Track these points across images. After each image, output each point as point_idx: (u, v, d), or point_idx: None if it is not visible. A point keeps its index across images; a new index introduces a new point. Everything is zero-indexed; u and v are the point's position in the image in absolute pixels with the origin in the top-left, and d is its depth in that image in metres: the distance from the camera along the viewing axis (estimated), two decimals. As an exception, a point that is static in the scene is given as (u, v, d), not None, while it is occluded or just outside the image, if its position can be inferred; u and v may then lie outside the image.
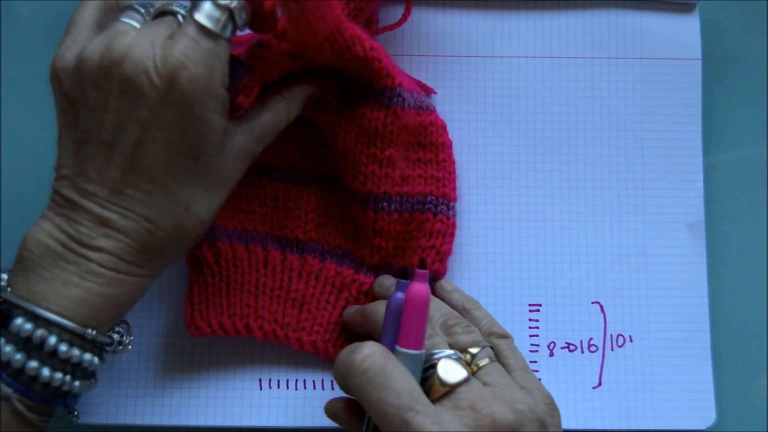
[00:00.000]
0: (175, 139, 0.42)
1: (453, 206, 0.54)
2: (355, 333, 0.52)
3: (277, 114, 0.49)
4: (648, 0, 0.57)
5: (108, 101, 0.42)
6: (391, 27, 0.55)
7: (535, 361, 0.54)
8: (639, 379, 0.54)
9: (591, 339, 0.55)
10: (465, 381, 0.42)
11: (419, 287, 0.43)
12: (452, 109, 0.56)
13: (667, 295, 0.55)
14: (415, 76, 0.56)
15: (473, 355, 0.45)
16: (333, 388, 0.54)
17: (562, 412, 0.54)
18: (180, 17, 0.45)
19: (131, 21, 0.45)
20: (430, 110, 0.54)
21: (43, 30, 0.58)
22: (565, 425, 0.53)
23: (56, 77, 0.44)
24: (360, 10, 0.51)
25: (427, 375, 0.43)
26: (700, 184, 0.56)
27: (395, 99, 0.51)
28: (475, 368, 0.45)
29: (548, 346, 0.55)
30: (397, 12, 0.55)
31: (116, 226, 0.43)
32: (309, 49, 0.48)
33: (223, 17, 0.43)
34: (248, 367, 0.54)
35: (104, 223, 0.43)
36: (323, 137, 0.54)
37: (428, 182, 0.53)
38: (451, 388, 0.42)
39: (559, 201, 0.56)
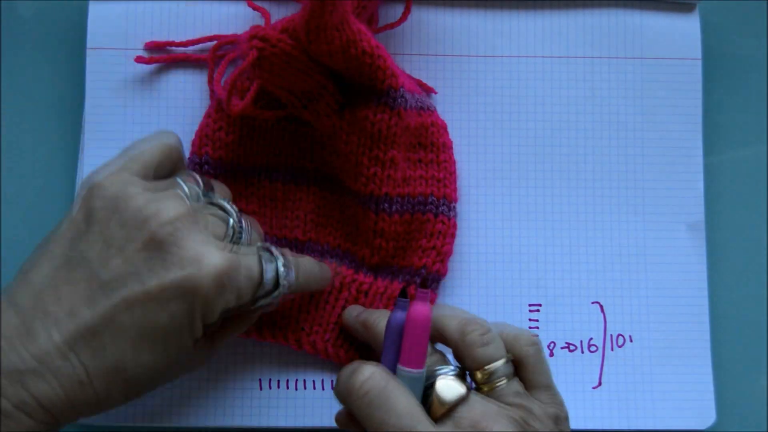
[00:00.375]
0: (162, 321, 0.40)
1: (454, 207, 0.54)
2: (354, 336, 0.52)
3: (240, 328, 0.48)
4: (648, 0, 0.57)
5: (126, 246, 0.41)
6: (391, 26, 0.55)
7: (535, 361, 0.54)
8: (639, 379, 0.54)
9: (591, 339, 0.55)
10: (464, 398, 0.42)
11: (421, 307, 0.43)
12: (452, 108, 0.56)
13: (667, 295, 0.55)
14: (415, 75, 0.56)
15: (490, 373, 0.43)
16: (333, 388, 0.54)
17: (562, 412, 0.54)
18: (231, 221, 0.45)
19: (187, 189, 0.44)
20: (431, 111, 0.54)
21: (43, 30, 0.58)
22: (565, 425, 0.54)
23: (91, 189, 0.42)
24: (363, 8, 0.51)
25: (428, 393, 0.43)
26: (700, 184, 0.56)
27: (398, 100, 0.51)
28: (488, 388, 0.43)
29: (548, 346, 0.55)
30: (397, 11, 0.55)
31: (51, 365, 0.39)
32: (316, 41, 0.48)
33: (272, 285, 0.44)
34: (248, 367, 0.54)
35: (41, 358, 0.39)
36: (323, 138, 0.53)
37: (429, 183, 0.53)
38: (451, 406, 0.42)
39: (559, 201, 0.56)
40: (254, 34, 0.48)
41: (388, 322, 0.44)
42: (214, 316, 0.42)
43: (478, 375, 0.44)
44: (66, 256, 0.41)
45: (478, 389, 0.44)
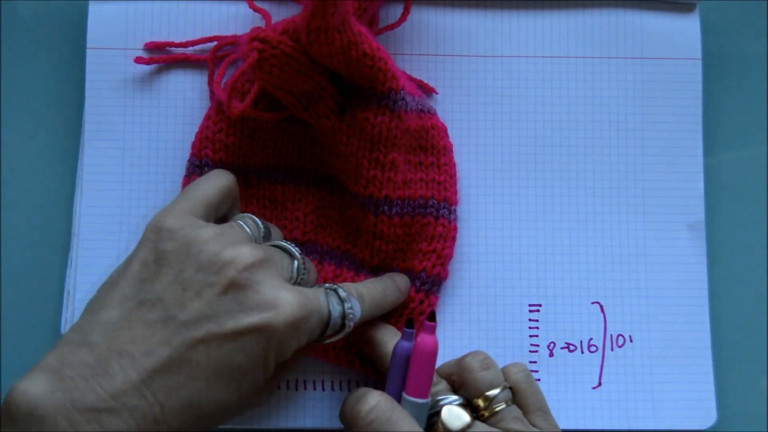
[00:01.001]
0: (237, 359, 0.41)
1: (454, 210, 0.54)
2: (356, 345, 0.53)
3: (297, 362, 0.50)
4: (648, 0, 0.57)
5: (204, 290, 0.42)
6: (391, 27, 0.55)
7: (535, 362, 0.54)
8: (639, 379, 0.54)
9: (591, 339, 0.55)
10: (468, 427, 0.44)
11: (428, 339, 0.44)
12: (452, 108, 0.56)
13: (667, 295, 0.55)
14: (415, 75, 0.56)
15: (490, 399, 0.46)
16: (333, 389, 0.54)
17: (563, 412, 0.54)
18: (296, 263, 0.46)
19: (250, 233, 0.47)
20: (432, 113, 0.54)
21: (43, 30, 0.58)
22: (565, 425, 0.54)
23: (159, 231, 0.43)
24: (364, 10, 0.51)
25: (432, 422, 0.45)
26: (701, 184, 0.56)
27: (399, 102, 0.51)
28: (488, 413, 0.45)
29: (548, 347, 0.55)
30: (397, 12, 0.55)
31: (128, 404, 0.40)
32: (317, 43, 0.48)
33: (339, 324, 0.46)
34: (248, 367, 0.54)
35: (117, 396, 0.39)
36: (323, 140, 0.53)
37: (429, 186, 0.53)
38: None
39: (559, 201, 0.56)
40: (254, 36, 0.48)
41: (394, 350, 0.46)
42: (288, 355, 0.44)
43: (479, 402, 0.46)
44: (139, 297, 0.42)
45: (479, 417, 0.46)
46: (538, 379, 0.54)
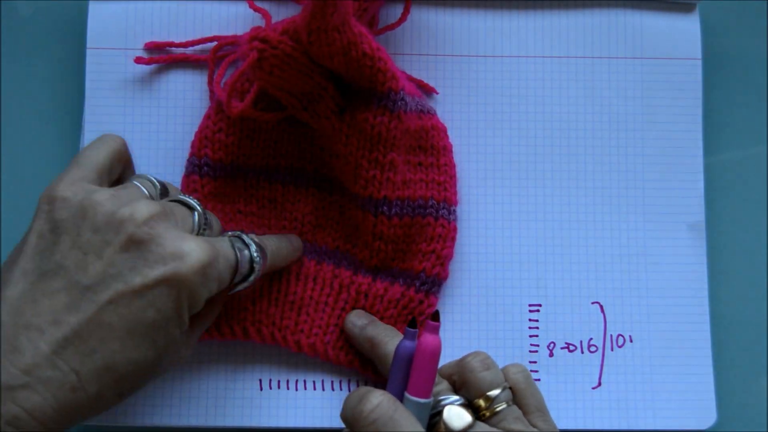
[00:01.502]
0: (148, 315, 0.41)
1: (454, 210, 0.54)
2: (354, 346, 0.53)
3: (214, 312, 0.49)
4: (648, 0, 0.57)
5: (104, 250, 0.41)
6: (391, 27, 0.55)
7: (535, 362, 0.54)
8: (639, 379, 0.54)
9: (591, 339, 0.55)
10: (470, 427, 0.44)
11: (431, 339, 0.44)
12: (452, 108, 0.56)
13: (667, 295, 0.55)
14: (415, 75, 0.56)
15: (491, 399, 0.46)
16: (333, 389, 0.54)
17: (562, 412, 0.54)
18: (196, 215, 0.46)
19: (146, 191, 0.46)
20: (432, 114, 0.54)
21: (43, 30, 0.58)
22: (564, 425, 0.54)
23: (51, 201, 0.43)
24: (364, 10, 0.51)
25: (433, 422, 0.45)
26: (701, 184, 0.56)
27: (399, 103, 0.51)
28: (489, 413, 0.46)
29: (548, 347, 0.55)
30: (397, 12, 0.55)
31: (41, 376, 0.40)
32: (317, 43, 0.48)
33: (247, 269, 0.46)
34: (248, 367, 0.54)
35: (30, 370, 0.39)
36: (322, 140, 0.53)
37: (429, 186, 0.53)
38: None
39: (559, 201, 0.56)
40: (254, 36, 0.48)
41: (397, 350, 0.45)
42: (200, 304, 0.44)
43: (481, 402, 0.46)
44: (40, 269, 0.42)
45: (480, 417, 0.46)
46: (538, 380, 0.54)
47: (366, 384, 0.54)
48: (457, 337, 0.54)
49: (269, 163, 0.54)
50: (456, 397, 0.46)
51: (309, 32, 0.47)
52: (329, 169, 0.54)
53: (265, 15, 0.54)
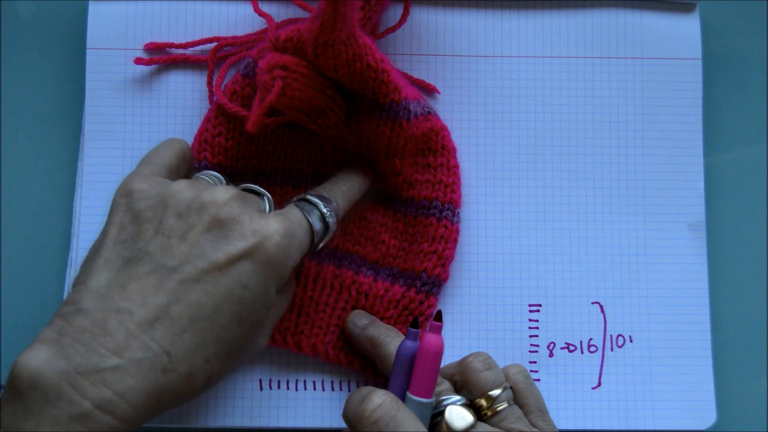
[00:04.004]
0: (236, 292, 0.42)
1: (458, 213, 0.54)
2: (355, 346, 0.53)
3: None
4: (648, 0, 0.57)
5: (188, 232, 0.43)
6: (392, 30, 0.55)
7: (535, 362, 0.54)
8: (639, 379, 0.54)
9: (591, 339, 0.55)
10: (472, 427, 0.44)
11: (434, 339, 0.44)
12: (452, 108, 0.56)
13: (667, 295, 0.55)
14: (416, 75, 0.56)
15: (493, 399, 0.46)
16: (333, 389, 0.54)
17: (562, 412, 0.54)
18: (267, 200, 0.48)
19: (211, 182, 0.49)
20: (437, 115, 0.54)
21: (43, 30, 0.58)
22: (564, 425, 0.54)
23: (129, 194, 0.45)
24: (368, 19, 0.51)
25: (435, 422, 0.45)
26: (701, 184, 0.56)
27: (401, 113, 0.51)
28: (490, 413, 0.46)
29: (548, 347, 0.55)
30: (397, 12, 0.55)
31: (133, 357, 0.39)
32: (324, 56, 0.48)
33: (322, 227, 0.48)
34: (248, 367, 0.54)
35: (121, 351, 0.39)
36: (323, 140, 0.54)
37: (436, 187, 0.53)
38: None
39: (559, 201, 0.56)
40: (274, 65, 0.48)
41: (399, 350, 0.46)
42: (285, 277, 0.45)
43: (482, 402, 0.46)
44: (123, 257, 0.43)
45: (482, 417, 0.46)
46: (538, 380, 0.54)
47: (366, 384, 0.54)
48: (458, 338, 0.54)
49: (267, 165, 0.54)
50: (458, 397, 0.46)
51: (316, 46, 0.47)
52: (330, 167, 0.54)
53: (269, 20, 0.54)
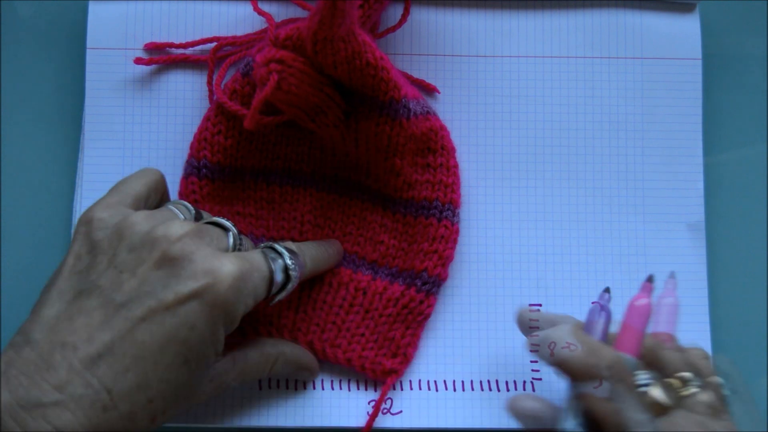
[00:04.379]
0: (182, 333, 0.41)
1: (458, 213, 0.54)
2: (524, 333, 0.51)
3: (263, 357, 0.49)
4: (648, 0, 0.57)
5: (138, 268, 0.42)
6: (392, 29, 0.55)
7: (536, 361, 0.54)
8: (639, 379, 0.54)
9: (591, 339, 0.55)
10: (666, 410, 0.42)
11: (646, 299, 0.44)
12: (452, 108, 0.56)
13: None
14: (416, 75, 0.56)
15: (685, 380, 0.43)
16: (333, 389, 0.54)
17: (563, 412, 0.54)
18: (231, 235, 0.46)
19: (181, 215, 0.47)
20: (437, 115, 0.54)
21: (43, 30, 0.58)
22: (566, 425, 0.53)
23: (89, 223, 0.44)
24: (368, 17, 0.51)
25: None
26: (701, 184, 0.56)
27: (401, 111, 0.51)
28: (681, 393, 0.43)
29: (549, 346, 0.54)
30: (397, 12, 0.55)
31: (74, 394, 0.39)
32: (323, 53, 0.48)
33: (283, 278, 0.46)
34: (248, 367, 0.54)
35: (63, 387, 0.39)
36: (323, 141, 0.54)
37: (436, 188, 0.53)
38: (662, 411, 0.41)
39: (559, 201, 0.56)
40: (270, 58, 0.48)
41: (632, 306, 0.45)
42: (236, 321, 0.43)
43: (674, 381, 0.43)
44: (75, 289, 0.42)
45: (672, 398, 0.43)
46: (539, 379, 0.54)
47: (366, 382, 0.54)
48: (458, 337, 0.54)
49: (267, 164, 0.54)
50: (651, 374, 0.43)
51: (315, 42, 0.47)
52: (329, 168, 0.54)
53: (269, 19, 0.54)
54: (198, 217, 0.48)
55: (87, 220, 0.44)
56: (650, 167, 0.56)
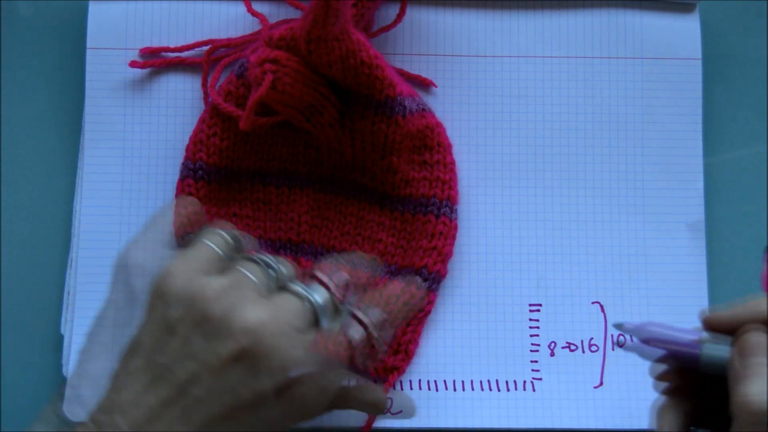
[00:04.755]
0: (244, 419, 0.40)
1: (456, 209, 0.54)
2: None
3: (322, 390, 0.44)
4: (648, 0, 0.57)
5: (212, 361, 0.39)
6: (386, 28, 0.55)
7: (536, 361, 0.54)
8: (640, 378, 0.54)
9: (592, 339, 0.55)
10: None
11: None
12: (452, 108, 0.56)
13: (666, 294, 0.55)
14: (415, 75, 0.56)
15: None
16: (333, 388, 0.54)
17: (564, 411, 0.54)
18: (309, 305, 0.42)
19: (252, 277, 0.41)
20: (433, 112, 0.54)
21: (43, 30, 0.58)
22: (567, 425, 0.54)
23: (162, 296, 0.40)
24: (361, 16, 0.51)
25: None
26: (700, 184, 0.56)
27: (397, 108, 0.51)
28: None
29: (549, 346, 0.55)
30: (393, 11, 0.55)
31: None
32: (317, 52, 0.48)
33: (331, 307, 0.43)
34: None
35: None
36: (319, 141, 0.54)
37: (433, 185, 0.53)
38: None
39: (559, 201, 0.56)
40: (264, 58, 0.48)
41: None
42: (280, 372, 0.40)
43: None
44: (152, 374, 0.40)
45: None
46: (539, 378, 0.54)
47: (362, 384, 0.53)
48: (458, 337, 0.54)
49: (263, 165, 0.54)
50: None
51: (309, 41, 0.47)
52: (325, 169, 0.54)
53: (263, 20, 0.54)
54: (238, 246, 0.44)
55: (160, 292, 0.40)
56: (650, 167, 0.56)
